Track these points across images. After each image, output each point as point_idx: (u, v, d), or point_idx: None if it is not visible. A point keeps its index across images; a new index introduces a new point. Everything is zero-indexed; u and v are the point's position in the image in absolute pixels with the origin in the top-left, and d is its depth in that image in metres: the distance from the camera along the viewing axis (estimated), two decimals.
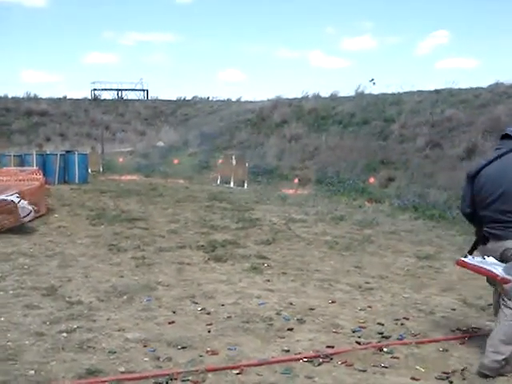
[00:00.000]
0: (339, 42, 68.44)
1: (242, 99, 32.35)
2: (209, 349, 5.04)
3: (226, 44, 79.12)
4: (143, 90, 43.89)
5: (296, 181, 18.02)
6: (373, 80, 26.22)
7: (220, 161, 20.36)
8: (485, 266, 3.29)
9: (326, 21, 72.06)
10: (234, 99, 33.03)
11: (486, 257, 3.54)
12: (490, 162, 4.91)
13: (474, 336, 5.75)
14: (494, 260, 3.46)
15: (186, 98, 36.01)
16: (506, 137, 4.97)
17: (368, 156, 19.17)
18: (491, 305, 6.92)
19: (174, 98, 37.19)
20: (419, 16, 63.15)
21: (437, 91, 22.28)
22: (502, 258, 4.48)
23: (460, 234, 11.43)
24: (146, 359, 4.78)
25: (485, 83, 21.47)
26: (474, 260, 3.52)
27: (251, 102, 30.26)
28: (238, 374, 4.56)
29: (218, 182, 19.38)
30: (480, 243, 4.89)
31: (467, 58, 62.08)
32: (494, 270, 3.04)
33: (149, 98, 42.12)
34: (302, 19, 72.73)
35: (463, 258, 3.52)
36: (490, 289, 7.61)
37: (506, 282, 2.67)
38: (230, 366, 4.70)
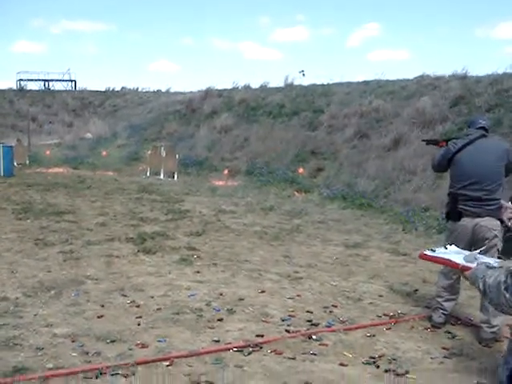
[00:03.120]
0: (272, 33, 68.70)
1: (172, 90, 32.15)
2: (138, 342, 5.03)
3: (157, 34, 78.27)
4: (71, 81, 42.94)
5: (226, 172, 18.02)
6: (302, 71, 26.40)
7: (149, 152, 20.16)
8: (446, 257, 3.39)
9: (259, 12, 72.31)
10: (163, 90, 32.79)
11: (448, 246, 3.68)
12: (465, 145, 5.65)
13: (401, 321, 5.93)
14: (456, 248, 3.58)
15: (115, 89, 35.55)
16: (471, 125, 5.88)
17: (297, 146, 19.31)
18: (417, 290, 7.18)
19: (103, 89, 36.66)
20: (351, 8, 64.12)
21: (365, 82, 22.63)
22: (473, 234, 5.39)
23: (387, 222, 11.71)
24: (74, 354, 4.72)
25: (413, 75, 21.93)
26: (436, 252, 3.61)
27: (181, 92, 30.04)
28: (168, 365, 4.57)
29: (148, 173, 19.20)
30: (452, 219, 5.62)
31: (397, 50, 63.40)
32: (455, 260, 3.14)
33: (77, 88, 41.32)
34: (235, 9, 72.66)
35: (425, 251, 3.68)
36: (416, 275, 7.89)
37: (466, 269, 2.77)
38: (160, 357, 4.71)
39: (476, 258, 2.92)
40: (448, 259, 3.28)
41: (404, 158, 15.58)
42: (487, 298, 2.03)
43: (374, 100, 19.69)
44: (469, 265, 2.85)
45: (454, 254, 3.30)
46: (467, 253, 3.30)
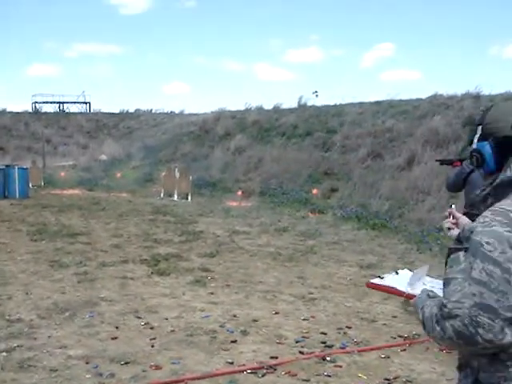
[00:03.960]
0: (285, 54, 68.99)
1: (185, 112, 32.32)
2: (152, 363, 5.02)
3: (170, 56, 78.84)
4: (85, 103, 43.32)
5: (240, 193, 18.06)
6: (316, 92, 26.54)
7: (163, 174, 20.24)
8: (392, 285, 2.94)
9: (272, 33, 72.61)
10: (177, 112, 32.99)
11: (400, 271, 3.25)
12: None
13: (415, 342, 5.88)
14: (409, 272, 3.19)
15: (129, 111, 35.80)
16: None
17: (311, 167, 19.37)
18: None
19: (117, 111, 36.93)
20: (364, 28, 64.29)
21: (377, 102, 22.68)
22: None
23: (401, 242, 11.67)
24: (88, 376, 4.73)
25: (425, 95, 21.98)
26: (384, 279, 3.17)
27: (194, 114, 30.21)
28: None
29: (162, 195, 19.26)
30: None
31: (410, 69, 63.45)
32: (400, 288, 2.77)
33: (91, 110, 41.62)
34: (247, 31, 73.12)
35: (372, 280, 3.15)
36: None
37: (410, 297, 2.50)
38: (174, 379, 4.70)
39: (420, 281, 2.60)
40: (393, 287, 2.92)
41: (417, 178, 15.57)
42: (425, 329, 1.95)
43: (387, 120, 19.73)
44: (413, 292, 2.58)
45: (404, 279, 2.92)
46: (410, 278, 2.89)
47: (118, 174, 22.64)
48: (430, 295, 2.03)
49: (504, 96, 17.83)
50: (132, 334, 5.82)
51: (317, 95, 26.48)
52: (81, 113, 40.82)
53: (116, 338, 5.66)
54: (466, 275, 1.78)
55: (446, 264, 1.95)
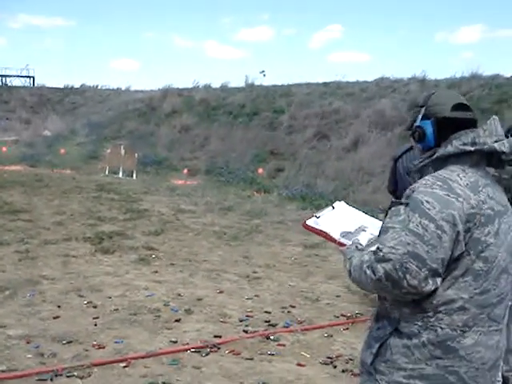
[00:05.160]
0: (235, 33, 68.34)
1: (132, 88, 31.82)
2: (95, 342, 4.98)
3: (117, 31, 77.17)
4: (29, 77, 42.16)
5: (185, 171, 17.94)
6: (263, 71, 26.43)
7: (108, 151, 19.94)
8: (326, 229, 2.71)
9: (223, 11, 71.68)
10: (123, 88, 32.42)
11: (336, 204, 2.97)
12: (407, 150, 5.41)
13: (358, 321, 5.99)
14: (344, 205, 2.94)
15: (75, 86, 35.00)
16: None
17: (257, 147, 19.37)
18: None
19: (62, 86, 36.09)
20: (315, 9, 64.14)
21: (325, 84, 22.80)
22: None
23: None
24: (29, 356, 4.66)
25: (372, 77, 22.19)
26: (319, 220, 2.80)
27: (141, 91, 29.78)
28: (124, 367, 4.54)
29: (107, 172, 18.98)
30: None
31: (358, 52, 63.83)
32: (333, 234, 2.61)
33: (35, 85, 40.56)
34: (198, 8, 71.99)
35: (308, 221, 2.80)
36: None
37: (342, 245, 2.49)
38: (117, 359, 4.67)
39: (354, 234, 2.51)
40: (327, 232, 2.69)
41: (363, 160, 15.76)
42: (351, 278, 2.15)
43: (335, 101, 19.85)
44: (344, 241, 2.52)
45: (340, 219, 2.69)
46: (360, 215, 2.78)
47: (62, 151, 22.17)
48: (358, 247, 2.26)
49: (448, 81, 18.16)
50: (74, 312, 5.75)
51: (264, 75, 26.39)
52: (24, 87, 39.64)
53: (58, 317, 5.58)
54: (404, 226, 2.00)
55: (385, 215, 2.14)
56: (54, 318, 5.55)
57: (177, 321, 5.67)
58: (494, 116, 2.18)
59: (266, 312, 6.13)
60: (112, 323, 5.49)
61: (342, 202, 2.90)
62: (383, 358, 2.12)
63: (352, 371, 4.73)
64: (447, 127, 2.17)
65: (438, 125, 2.19)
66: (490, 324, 2.08)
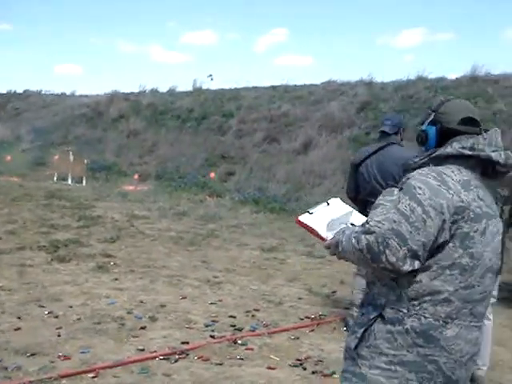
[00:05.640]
0: (179, 37, 67.66)
1: (77, 93, 31.27)
2: (60, 354, 4.85)
3: (61, 36, 75.55)
4: None
5: (136, 177, 17.75)
6: (211, 75, 26.34)
7: (56, 157, 19.55)
8: (315, 226, 2.60)
9: (167, 15, 70.92)
10: (68, 93, 31.87)
11: (330, 200, 2.81)
12: (373, 153, 5.49)
13: (323, 323, 6.03)
14: (339, 202, 2.83)
15: (17, 92, 34.24)
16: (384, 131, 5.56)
17: (207, 151, 19.31)
18: (335, 292, 7.32)
19: (4, 91, 35.28)
20: (259, 13, 64.11)
21: (273, 87, 22.85)
22: None
23: None
24: None
25: (318, 80, 22.34)
26: (313, 216, 2.84)
27: (86, 96, 29.33)
28: (93, 377, 4.45)
29: (55, 179, 18.62)
30: None
31: (303, 55, 64.14)
32: (322, 233, 2.54)
33: None
34: (142, 12, 71.06)
35: (300, 217, 2.67)
36: (333, 277, 8.04)
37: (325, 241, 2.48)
38: (85, 369, 4.56)
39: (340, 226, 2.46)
40: (317, 230, 2.59)
41: (314, 162, 15.89)
42: (342, 248, 2.23)
43: (283, 105, 19.95)
44: (328, 235, 2.46)
45: (333, 216, 2.59)
46: (353, 212, 2.66)
47: (8, 158, 21.62)
48: (343, 229, 2.33)
49: (395, 83, 18.45)
50: (36, 323, 5.59)
51: (212, 79, 26.19)
52: None
53: (19, 328, 5.41)
54: (393, 205, 2.12)
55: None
56: (15, 329, 5.38)
57: (142, 328, 5.59)
58: (495, 128, 2.29)
59: (230, 316, 6.11)
60: (76, 333, 5.37)
61: (338, 199, 2.87)
62: (367, 343, 2.19)
63: (322, 372, 4.76)
64: (450, 137, 2.27)
65: (442, 133, 2.30)
66: (472, 319, 2.16)
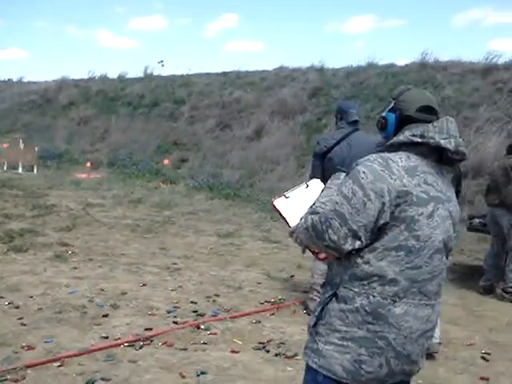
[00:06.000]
0: (128, 22, 66.54)
1: (25, 79, 30.73)
2: (24, 344, 4.84)
3: (6, 19, 73.61)
4: None
5: (88, 164, 17.56)
6: (162, 62, 26.21)
7: (5, 145, 19.20)
8: (286, 216, 2.58)
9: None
10: (15, 79, 31.27)
11: (310, 182, 2.73)
12: (339, 141, 5.64)
13: (283, 306, 6.16)
14: (320, 183, 2.74)
15: None
16: (343, 116, 5.84)
17: (160, 137, 19.25)
18: (293, 276, 7.46)
19: None
20: None
21: (225, 73, 22.85)
22: None
23: (255, 211, 12.00)
24: None
25: (270, 66, 22.43)
26: (286, 203, 2.63)
27: (34, 82, 28.81)
28: (59, 366, 4.46)
29: (5, 167, 18.30)
30: None
31: (253, 41, 63.93)
32: (291, 222, 2.51)
33: None
34: None
35: (275, 201, 2.67)
36: (290, 261, 8.18)
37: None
38: (50, 359, 4.57)
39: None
40: (285, 218, 2.61)
41: (266, 148, 16.00)
42: (294, 232, 2.40)
43: (235, 91, 19.99)
44: (293, 226, 2.49)
45: (309, 200, 2.50)
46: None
47: None
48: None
49: (345, 70, 18.69)
50: None
51: (163, 65, 26.23)
52: None
53: None
54: (338, 188, 2.30)
55: None
56: None
57: (104, 316, 5.61)
58: (447, 116, 2.39)
59: (192, 302, 6.18)
60: (38, 323, 5.37)
61: (318, 180, 2.93)
62: (323, 321, 2.33)
63: (285, 354, 4.88)
64: (408, 124, 2.39)
65: (400, 120, 2.41)
66: (421, 298, 2.28)
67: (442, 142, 2.29)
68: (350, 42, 57.99)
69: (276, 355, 4.88)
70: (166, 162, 17.21)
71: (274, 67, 21.70)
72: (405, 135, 2.33)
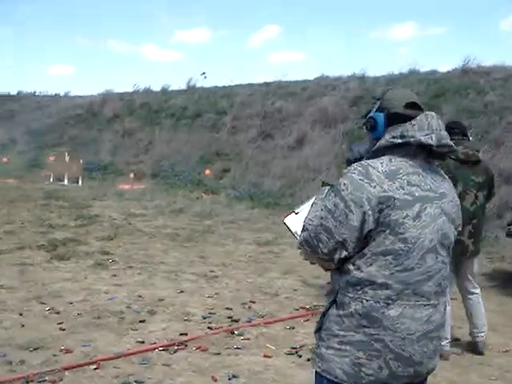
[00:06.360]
0: (172, 35, 67.40)
1: (71, 94, 31.33)
2: (62, 347, 5.00)
3: (52, 37, 75.30)
4: None
5: (132, 176, 17.87)
6: (204, 73, 26.39)
7: (52, 158, 19.67)
8: (294, 232, 2.71)
9: (159, 12, 70.65)
10: (61, 94, 31.89)
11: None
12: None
13: (317, 313, 6.16)
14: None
15: (11, 93, 34.29)
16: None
17: (202, 148, 19.43)
18: (329, 283, 7.45)
19: None
20: (251, 10, 63.94)
21: (266, 84, 22.93)
22: None
23: None
24: None
25: (311, 76, 22.43)
26: (295, 219, 2.74)
27: (80, 96, 29.40)
28: (95, 369, 4.59)
29: (51, 179, 18.74)
30: None
31: (296, 51, 64.04)
32: (298, 237, 2.58)
33: None
34: (134, 10, 70.72)
35: (285, 219, 2.78)
36: None
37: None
38: (87, 361, 4.71)
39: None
40: (294, 235, 2.69)
41: (308, 157, 16.01)
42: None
43: (277, 101, 20.05)
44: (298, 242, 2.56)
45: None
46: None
47: (4, 159, 21.72)
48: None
49: (387, 78, 18.58)
50: (38, 319, 5.74)
51: (205, 76, 26.31)
52: None
53: (22, 324, 5.56)
54: (322, 203, 2.32)
55: None
56: (18, 326, 5.53)
57: (141, 321, 5.74)
58: (427, 112, 2.38)
59: (227, 308, 6.26)
60: (77, 327, 5.52)
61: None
62: (324, 326, 2.38)
63: None
64: (396, 122, 2.37)
65: (389, 118, 2.40)
66: (418, 299, 2.28)
67: (423, 138, 2.29)
68: (392, 49, 57.59)
69: (308, 360, 4.89)
70: (207, 172, 17.37)
71: (315, 76, 21.70)
72: (385, 139, 2.34)
